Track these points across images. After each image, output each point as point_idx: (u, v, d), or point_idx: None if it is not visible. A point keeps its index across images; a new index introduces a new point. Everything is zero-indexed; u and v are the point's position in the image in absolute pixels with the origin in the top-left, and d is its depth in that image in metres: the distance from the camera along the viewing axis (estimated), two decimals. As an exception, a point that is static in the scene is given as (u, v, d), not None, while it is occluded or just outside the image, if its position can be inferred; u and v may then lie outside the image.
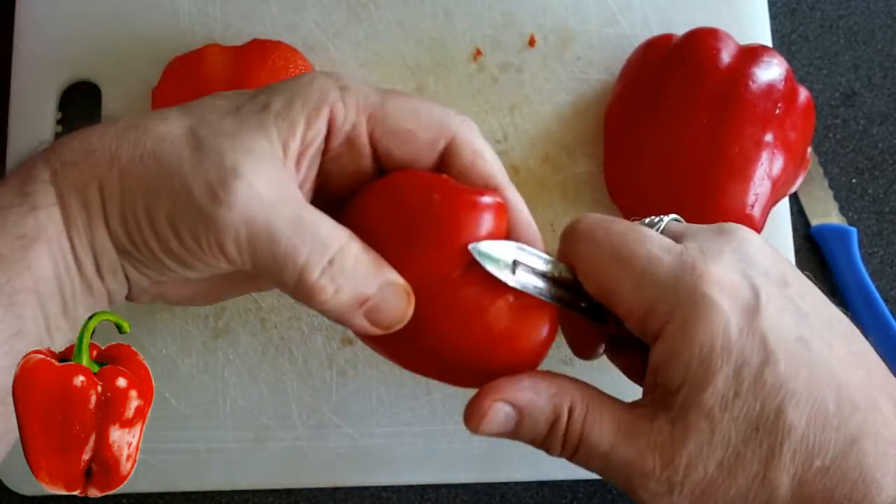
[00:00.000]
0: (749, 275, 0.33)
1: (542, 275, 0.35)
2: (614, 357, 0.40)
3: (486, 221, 0.34)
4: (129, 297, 0.37)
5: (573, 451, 0.35)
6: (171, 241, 0.33)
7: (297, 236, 0.33)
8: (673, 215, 0.38)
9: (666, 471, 0.33)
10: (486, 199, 0.34)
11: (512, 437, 0.35)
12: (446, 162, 0.36)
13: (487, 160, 0.37)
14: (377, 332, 0.35)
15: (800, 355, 0.32)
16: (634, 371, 0.38)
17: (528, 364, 0.35)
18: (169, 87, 0.51)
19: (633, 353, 0.37)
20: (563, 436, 0.34)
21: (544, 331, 0.35)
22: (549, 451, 0.36)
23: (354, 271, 0.33)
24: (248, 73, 0.49)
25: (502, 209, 0.35)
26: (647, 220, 0.38)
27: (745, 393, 0.32)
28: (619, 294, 0.34)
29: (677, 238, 0.35)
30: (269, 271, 0.33)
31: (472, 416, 0.34)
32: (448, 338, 0.35)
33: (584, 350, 0.39)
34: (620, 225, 0.35)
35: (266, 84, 0.49)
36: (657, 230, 0.36)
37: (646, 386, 0.35)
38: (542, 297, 0.35)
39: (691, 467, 0.32)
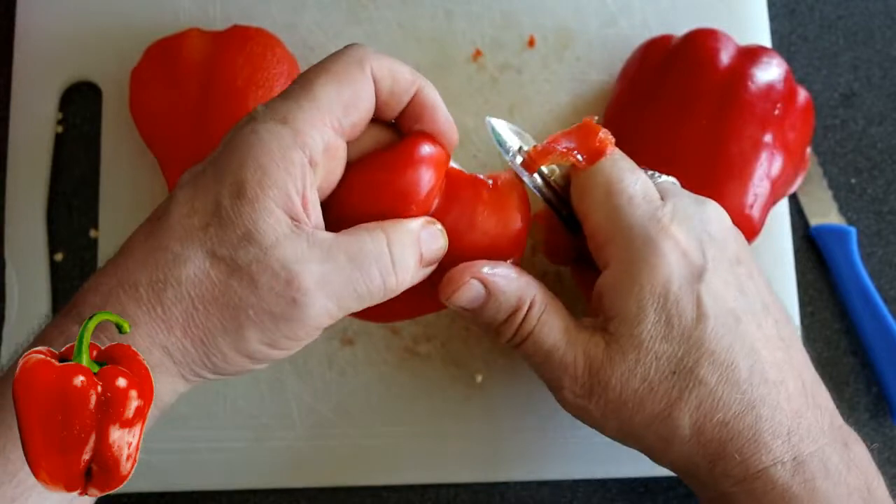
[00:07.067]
0: (705, 244, 0.38)
1: (540, 173, 0.40)
2: (576, 272, 0.45)
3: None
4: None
5: (521, 341, 0.39)
6: (271, 353, 0.35)
7: (360, 264, 0.35)
8: (672, 178, 0.43)
9: (591, 380, 0.38)
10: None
11: (475, 314, 0.39)
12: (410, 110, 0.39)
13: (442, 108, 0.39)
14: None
15: (728, 324, 0.37)
16: (588, 289, 0.42)
17: (505, 253, 0.39)
18: (148, 68, 0.51)
19: (593, 272, 0.41)
20: (518, 326, 0.39)
21: (518, 223, 0.39)
22: (499, 337, 0.40)
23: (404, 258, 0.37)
24: (225, 58, 0.49)
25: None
26: (651, 172, 0.42)
27: (672, 339, 0.37)
28: (593, 216, 0.39)
29: (663, 195, 0.40)
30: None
31: (448, 285, 0.38)
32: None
33: (555, 255, 0.45)
34: (626, 164, 0.40)
35: (243, 70, 0.49)
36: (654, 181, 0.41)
37: (590, 305, 0.40)
38: (537, 193, 0.40)
39: (610, 385, 0.37)
